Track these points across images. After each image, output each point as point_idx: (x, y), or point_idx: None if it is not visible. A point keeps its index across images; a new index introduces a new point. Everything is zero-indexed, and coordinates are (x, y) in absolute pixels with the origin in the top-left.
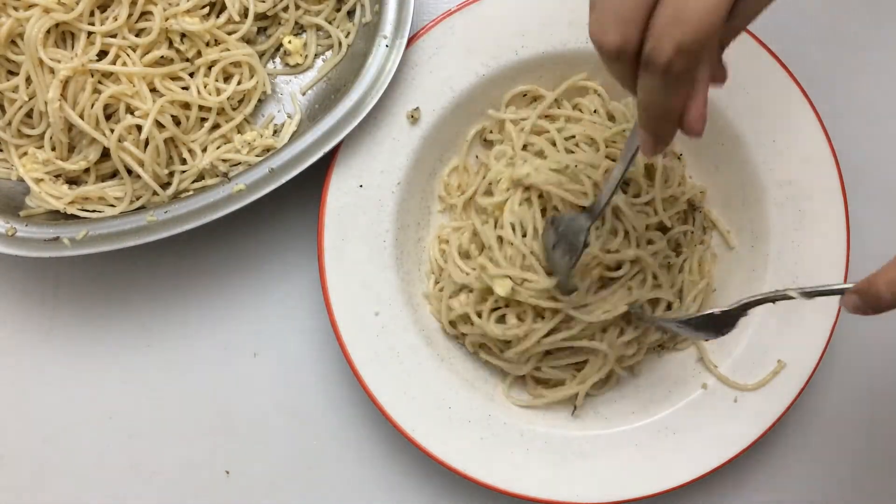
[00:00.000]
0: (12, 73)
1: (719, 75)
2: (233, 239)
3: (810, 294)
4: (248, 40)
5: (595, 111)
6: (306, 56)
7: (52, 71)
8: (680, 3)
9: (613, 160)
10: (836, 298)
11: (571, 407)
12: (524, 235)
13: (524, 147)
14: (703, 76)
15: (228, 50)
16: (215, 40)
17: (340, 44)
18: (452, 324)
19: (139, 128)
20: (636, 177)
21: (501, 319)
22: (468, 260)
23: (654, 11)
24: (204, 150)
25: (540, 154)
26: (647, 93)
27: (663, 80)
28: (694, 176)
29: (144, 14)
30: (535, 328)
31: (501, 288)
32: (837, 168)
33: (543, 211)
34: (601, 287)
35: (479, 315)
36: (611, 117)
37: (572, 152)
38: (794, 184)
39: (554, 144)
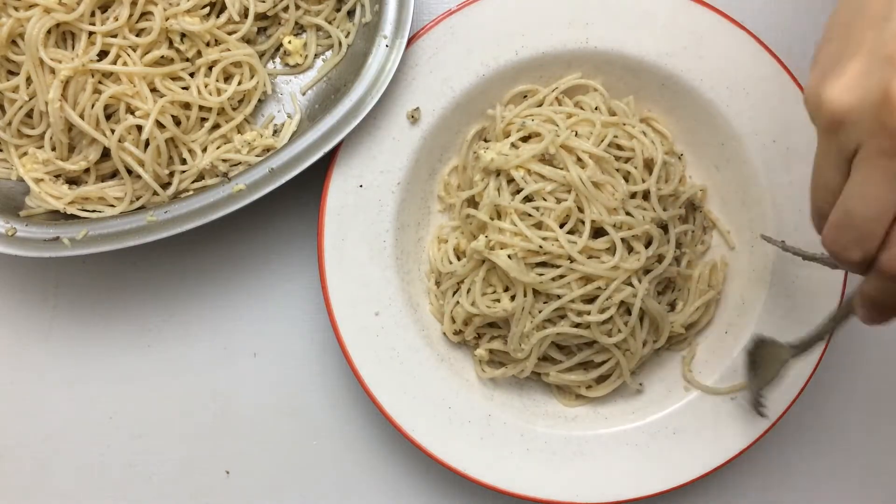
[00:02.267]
0: (12, 73)
1: None
2: (233, 239)
3: None
4: (248, 40)
5: (596, 108)
6: (306, 56)
7: (52, 71)
8: None
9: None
10: (835, 297)
11: (576, 406)
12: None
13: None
14: None
15: (229, 50)
16: (215, 40)
17: (340, 44)
18: (453, 321)
19: (139, 128)
20: (635, 172)
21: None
22: (463, 258)
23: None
24: (204, 150)
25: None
26: (878, 290)
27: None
28: (694, 176)
29: (145, 14)
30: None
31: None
32: None
33: (518, 192)
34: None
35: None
36: (612, 114)
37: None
38: (793, 184)
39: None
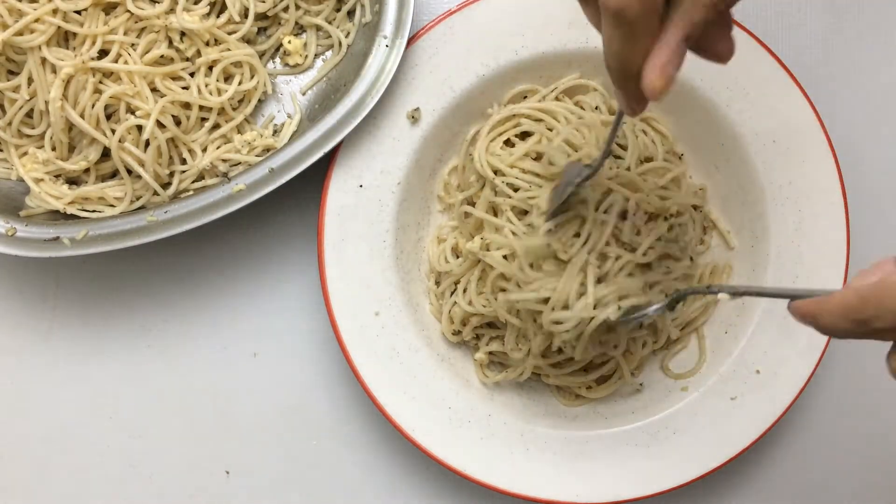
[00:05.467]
0: (13, 73)
1: (723, 48)
2: (233, 239)
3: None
4: (248, 40)
5: (597, 108)
6: (306, 56)
7: (53, 70)
8: None
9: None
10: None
11: (576, 406)
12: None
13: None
14: (673, 32)
15: (229, 50)
16: (215, 40)
17: (340, 44)
18: (452, 321)
19: (139, 128)
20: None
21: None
22: (460, 257)
23: None
24: (204, 150)
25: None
26: (607, 41)
27: (617, 25)
28: (694, 176)
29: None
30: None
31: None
32: (837, 168)
33: (515, 191)
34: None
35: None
36: (612, 113)
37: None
38: (794, 184)
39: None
